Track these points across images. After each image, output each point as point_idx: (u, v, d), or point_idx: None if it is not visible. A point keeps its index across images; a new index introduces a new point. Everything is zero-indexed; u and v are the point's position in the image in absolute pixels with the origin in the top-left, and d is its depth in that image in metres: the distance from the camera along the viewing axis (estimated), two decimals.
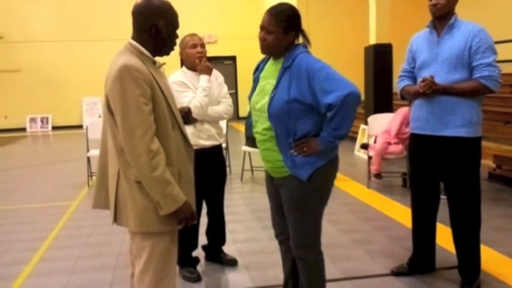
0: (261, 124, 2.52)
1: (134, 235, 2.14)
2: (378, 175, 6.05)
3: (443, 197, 3.26)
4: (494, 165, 6.42)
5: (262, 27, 2.45)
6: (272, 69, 2.53)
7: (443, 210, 3.36)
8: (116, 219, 2.15)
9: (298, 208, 2.50)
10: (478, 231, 3.16)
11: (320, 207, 2.54)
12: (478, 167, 3.12)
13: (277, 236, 2.82)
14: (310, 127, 2.41)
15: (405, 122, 5.95)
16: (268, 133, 2.49)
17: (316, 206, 2.52)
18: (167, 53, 2.23)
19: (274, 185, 2.67)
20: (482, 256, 3.24)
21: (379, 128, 6.21)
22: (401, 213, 4.97)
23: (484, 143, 4.75)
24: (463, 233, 3.16)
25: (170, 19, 2.14)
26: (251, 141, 7.86)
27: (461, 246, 3.19)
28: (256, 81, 2.62)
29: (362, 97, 9.38)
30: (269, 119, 2.44)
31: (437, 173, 3.24)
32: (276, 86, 2.43)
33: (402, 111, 6.08)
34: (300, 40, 2.55)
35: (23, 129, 15.91)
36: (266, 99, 2.46)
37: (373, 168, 6.03)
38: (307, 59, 2.40)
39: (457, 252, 3.22)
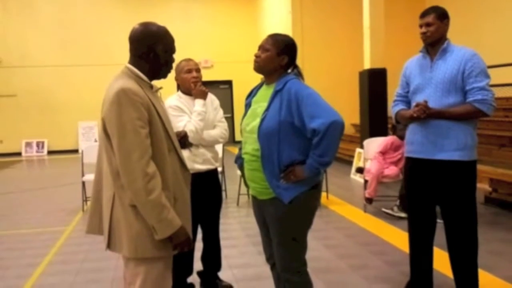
0: (250, 145, 2.60)
1: (128, 261, 2.11)
2: (369, 200, 6.01)
3: (439, 221, 3.25)
4: (490, 189, 6.41)
5: (260, 47, 2.61)
6: (264, 94, 2.63)
7: (440, 234, 3.35)
8: (109, 245, 2.12)
9: (282, 231, 2.56)
10: (476, 255, 3.14)
11: (303, 230, 2.60)
12: (474, 191, 3.12)
13: (268, 259, 2.84)
14: (296, 154, 2.49)
15: (392, 147, 6.04)
16: (257, 154, 2.56)
17: (300, 229, 2.58)
18: (164, 77, 2.26)
19: (260, 208, 2.71)
20: (480, 281, 3.21)
21: (375, 152, 6.21)
22: (398, 237, 4.94)
23: (479, 167, 4.76)
24: (460, 258, 3.14)
25: (167, 44, 2.17)
26: None
27: (458, 271, 3.16)
28: (248, 106, 2.74)
29: (357, 120, 9.58)
30: (259, 138, 2.52)
31: (433, 196, 3.23)
32: (267, 108, 2.53)
33: (385, 139, 6.18)
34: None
35: (19, 154, 15.84)
36: (257, 121, 2.55)
37: (367, 192, 5.99)
38: (297, 85, 2.52)
39: (455, 276, 3.19)
